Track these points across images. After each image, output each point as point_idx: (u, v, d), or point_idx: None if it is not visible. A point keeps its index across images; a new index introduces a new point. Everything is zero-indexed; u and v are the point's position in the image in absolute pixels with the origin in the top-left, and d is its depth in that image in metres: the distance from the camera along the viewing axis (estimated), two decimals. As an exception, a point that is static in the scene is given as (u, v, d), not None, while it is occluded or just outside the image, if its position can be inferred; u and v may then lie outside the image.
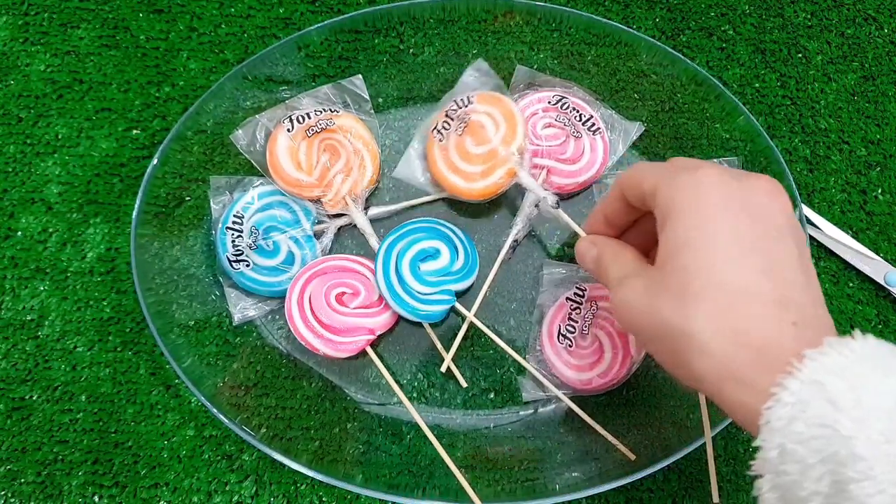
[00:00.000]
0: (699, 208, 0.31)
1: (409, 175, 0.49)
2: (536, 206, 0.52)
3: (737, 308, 0.28)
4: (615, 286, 0.35)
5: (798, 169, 0.56)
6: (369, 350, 0.48)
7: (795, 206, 0.49)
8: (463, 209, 0.53)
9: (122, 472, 0.47)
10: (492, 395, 0.49)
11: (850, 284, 0.53)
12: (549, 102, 0.53)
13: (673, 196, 0.32)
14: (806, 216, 0.51)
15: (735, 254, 0.29)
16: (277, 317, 0.50)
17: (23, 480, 0.46)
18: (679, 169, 0.33)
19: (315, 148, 0.50)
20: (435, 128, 0.46)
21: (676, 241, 0.31)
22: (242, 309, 0.49)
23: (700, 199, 0.31)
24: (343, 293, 0.48)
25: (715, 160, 0.52)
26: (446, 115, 0.46)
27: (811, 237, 0.53)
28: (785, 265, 0.30)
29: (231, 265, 0.48)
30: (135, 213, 0.47)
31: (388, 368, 0.48)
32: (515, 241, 0.51)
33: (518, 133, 0.46)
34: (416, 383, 0.49)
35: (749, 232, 0.30)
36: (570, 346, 0.47)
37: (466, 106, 0.46)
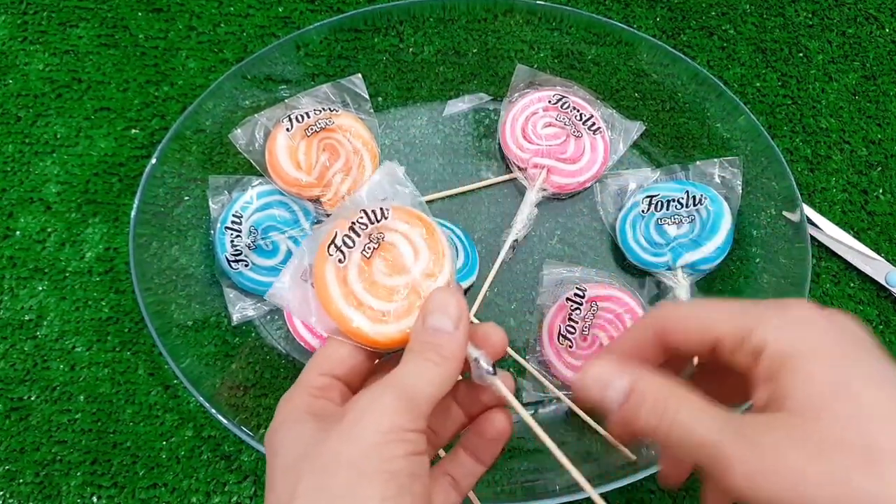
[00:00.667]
0: (834, 348, 0.26)
1: (290, 302, 0.34)
2: (537, 206, 0.52)
3: None
4: (730, 441, 0.25)
5: (799, 169, 0.56)
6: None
7: (796, 205, 0.49)
8: (463, 208, 0.52)
9: (121, 473, 0.47)
10: (491, 396, 0.49)
11: (851, 285, 0.53)
12: (550, 102, 0.53)
13: (791, 338, 0.26)
14: (807, 216, 0.51)
15: None
16: (276, 317, 0.50)
17: (21, 481, 0.46)
18: (769, 306, 0.28)
19: (314, 147, 0.50)
20: (332, 242, 0.32)
21: (827, 387, 0.25)
22: (241, 309, 0.48)
23: (828, 337, 0.27)
24: (342, 293, 0.48)
25: (716, 160, 0.51)
26: (351, 229, 0.33)
27: (812, 237, 0.53)
28: None
29: (230, 265, 0.48)
30: (133, 213, 0.47)
31: (387, 369, 0.48)
32: (515, 240, 0.51)
33: (445, 266, 0.34)
34: (415, 384, 0.49)
35: (888, 368, 0.26)
36: (571, 346, 0.47)
37: (379, 220, 0.34)
